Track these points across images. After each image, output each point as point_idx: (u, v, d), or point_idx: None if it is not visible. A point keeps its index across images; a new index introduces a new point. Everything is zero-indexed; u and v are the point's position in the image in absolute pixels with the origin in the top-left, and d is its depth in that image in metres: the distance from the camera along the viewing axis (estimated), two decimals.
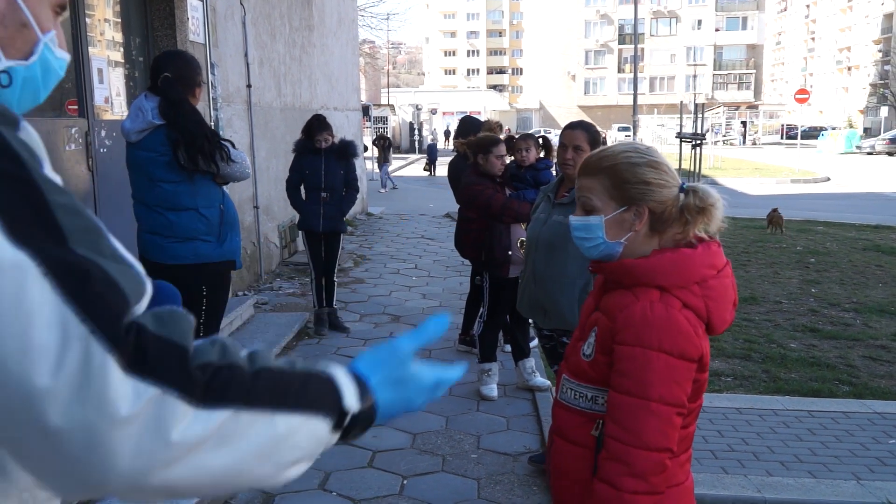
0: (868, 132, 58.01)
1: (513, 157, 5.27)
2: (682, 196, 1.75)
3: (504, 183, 5.09)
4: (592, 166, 1.83)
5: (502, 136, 5.65)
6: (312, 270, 6.62)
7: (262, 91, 8.70)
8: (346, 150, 6.49)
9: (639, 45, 50.18)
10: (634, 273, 1.76)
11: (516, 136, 5.25)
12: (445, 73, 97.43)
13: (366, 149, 25.82)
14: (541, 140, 5.21)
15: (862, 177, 26.88)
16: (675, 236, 1.77)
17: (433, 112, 49.96)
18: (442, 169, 30.78)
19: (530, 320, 5.61)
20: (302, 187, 6.57)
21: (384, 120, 44.25)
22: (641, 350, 1.66)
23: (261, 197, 8.57)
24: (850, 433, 4.52)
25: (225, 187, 3.85)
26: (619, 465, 1.64)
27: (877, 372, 5.75)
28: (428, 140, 31.92)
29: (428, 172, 28.06)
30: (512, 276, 5.05)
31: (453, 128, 52.82)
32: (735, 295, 1.79)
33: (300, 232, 6.66)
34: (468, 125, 6.36)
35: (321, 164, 6.38)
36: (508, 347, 5.81)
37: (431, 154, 28.72)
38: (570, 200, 3.60)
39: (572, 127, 3.68)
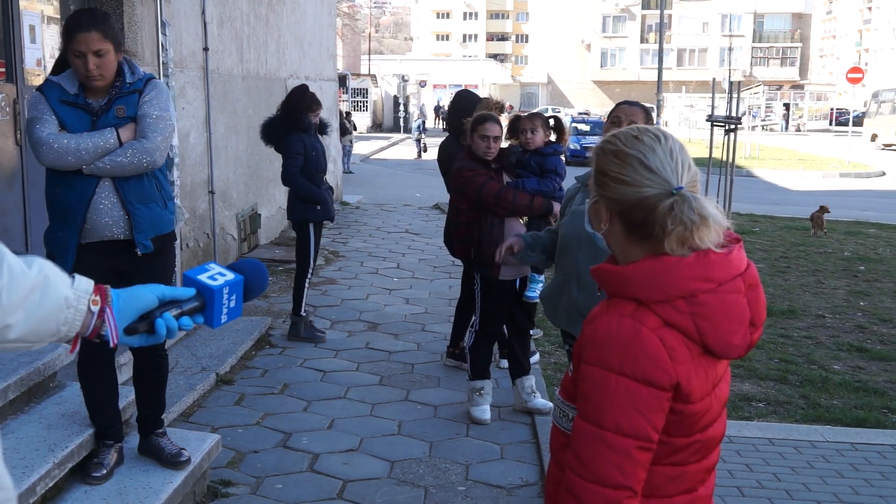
0: None
1: (513, 140, 5.32)
2: (662, 202, 1.72)
3: (504, 168, 5.14)
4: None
5: (505, 116, 5.70)
6: (305, 268, 6.69)
7: (221, 55, 8.72)
8: (326, 127, 6.70)
9: (665, 11, 50.37)
10: (608, 280, 1.80)
11: (523, 115, 5.30)
12: (437, 39, 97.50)
13: (355, 128, 25.91)
14: (552, 121, 5.25)
15: None
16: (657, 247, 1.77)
17: (422, 84, 50.00)
18: (404, 149, 31.15)
19: (533, 331, 5.67)
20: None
21: (364, 92, 44.36)
22: (601, 371, 1.69)
23: (217, 181, 8.59)
24: None
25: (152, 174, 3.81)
26: (571, 499, 1.70)
27: None
28: (416, 119, 32.29)
29: (419, 156, 28.46)
30: (505, 279, 5.10)
31: (445, 103, 52.98)
32: (755, 313, 1.79)
33: (311, 225, 6.65)
34: (463, 101, 6.39)
35: (319, 144, 6.58)
36: (505, 363, 5.86)
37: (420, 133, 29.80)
38: None
39: (631, 104, 3.88)
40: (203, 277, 1.68)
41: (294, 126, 6.45)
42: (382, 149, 32.79)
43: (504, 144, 5.33)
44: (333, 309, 7.78)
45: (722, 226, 1.73)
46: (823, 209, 12.90)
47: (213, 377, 5.66)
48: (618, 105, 3.97)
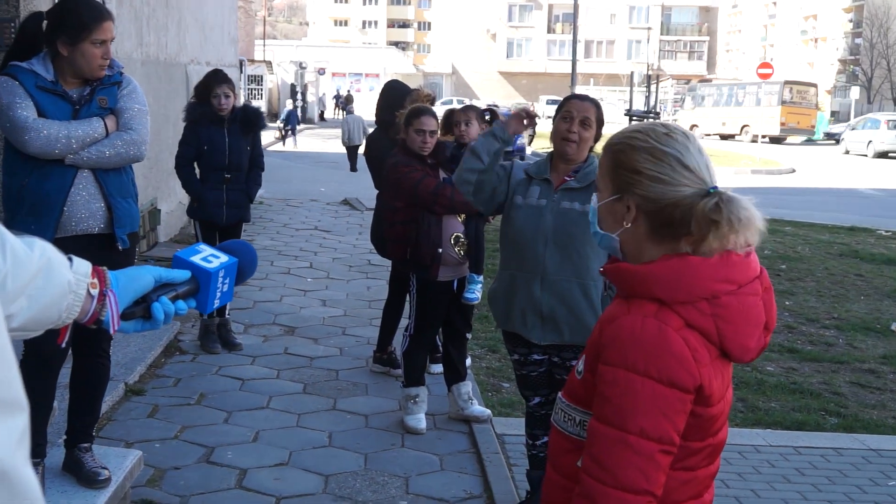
0: (836, 116, 60.92)
1: (447, 135, 5.30)
2: (703, 201, 1.75)
3: (440, 164, 5.11)
4: (607, 143, 1.95)
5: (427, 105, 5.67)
6: None
7: (120, 38, 8.40)
8: (254, 121, 6.45)
9: (572, 2, 51.21)
10: (628, 280, 1.82)
11: (457, 108, 5.28)
12: (335, 25, 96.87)
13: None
14: (486, 114, 5.26)
15: (831, 169, 28.28)
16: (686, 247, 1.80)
17: (321, 72, 49.59)
18: (302, 140, 31.21)
19: (469, 334, 5.65)
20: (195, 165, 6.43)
21: (258, 80, 43.66)
22: (624, 373, 1.71)
23: None
24: (844, 473, 4.78)
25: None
26: None
27: (867, 401, 6.08)
28: (288, 107, 32.62)
29: (282, 143, 29.51)
30: (443, 280, 5.08)
31: (344, 92, 52.30)
32: (768, 317, 1.84)
33: (195, 223, 6.50)
34: (394, 93, 6.33)
35: (224, 138, 6.25)
36: (436, 368, 5.83)
37: (291, 122, 30.41)
38: (581, 185, 3.70)
39: (581, 98, 3.93)
40: (197, 259, 1.66)
41: (201, 115, 6.32)
42: (279, 139, 32.38)
43: None
44: (246, 312, 7.61)
45: (761, 227, 1.76)
46: None
47: (122, 387, 5.46)
48: (567, 99, 3.98)
